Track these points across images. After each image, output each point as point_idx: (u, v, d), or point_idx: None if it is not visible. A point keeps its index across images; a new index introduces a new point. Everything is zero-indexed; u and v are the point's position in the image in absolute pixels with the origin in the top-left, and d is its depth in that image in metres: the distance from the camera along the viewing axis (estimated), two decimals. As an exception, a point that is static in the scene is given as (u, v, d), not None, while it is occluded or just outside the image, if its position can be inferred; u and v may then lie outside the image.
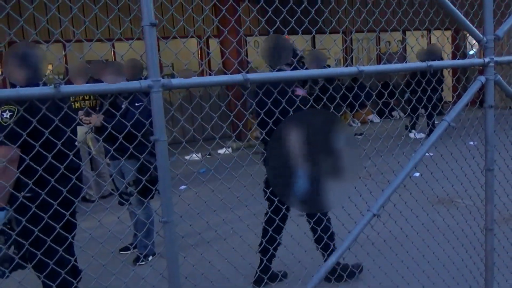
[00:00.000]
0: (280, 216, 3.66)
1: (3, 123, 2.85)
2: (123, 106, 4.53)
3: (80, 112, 5.08)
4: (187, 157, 8.18)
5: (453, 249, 3.88)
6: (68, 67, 6.87)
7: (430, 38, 12.73)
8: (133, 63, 4.57)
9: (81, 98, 6.49)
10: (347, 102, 4.21)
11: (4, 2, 2.26)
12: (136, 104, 4.46)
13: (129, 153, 2.94)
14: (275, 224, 3.59)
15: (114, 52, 10.05)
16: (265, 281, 3.70)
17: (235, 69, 2.89)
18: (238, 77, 2.48)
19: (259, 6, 3.00)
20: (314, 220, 3.94)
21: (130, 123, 2.85)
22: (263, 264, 3.75)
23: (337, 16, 3.15)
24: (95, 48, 2.45)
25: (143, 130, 3.04)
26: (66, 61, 9.97)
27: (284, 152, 2.93)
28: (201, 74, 10.65)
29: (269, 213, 3.96)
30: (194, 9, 9.89)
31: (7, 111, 2.86)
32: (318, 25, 2.98)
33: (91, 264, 2.73)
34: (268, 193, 3.87)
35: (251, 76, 2.50)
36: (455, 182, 3.80)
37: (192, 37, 8.85)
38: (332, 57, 10.49)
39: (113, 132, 2.54)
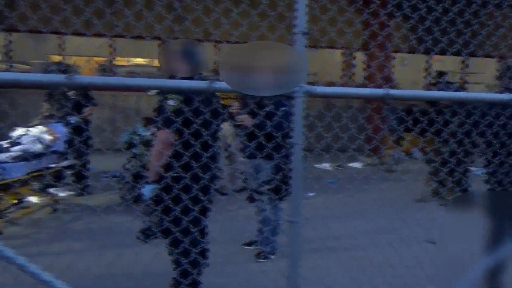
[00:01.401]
0: None
1: (168, 110, 3.18)
2: (269, 109, 4.69)
3: (235, 106, 5.40)
4: (317, 165, 8.25)
5: None
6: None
7: None
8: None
9: (227, 96, 6.87)
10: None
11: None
12: (282, 108, 4.61)
13: (267, 154, 3.11)
14: None
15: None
16: None
17: (378, 84, 2.92)
18: (380, 91, 2.51)
19: (409, 23, 2.98)
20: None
21: (265, 125, 2.99)
22: None
23: (492, 40, 3.02)
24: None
25: (284, 134, 3.16)
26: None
27: None
28: (343, 85, 10.66)
29: None
30: (344, 21, 9.96)
31: (173, 100, 3.19)
32: (471, 48, 2.89)
33: (217, 252, 2.91)
34: None
35: (394, 91, 2.51)
36: None
37: (340, 48, 8.84)
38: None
39: (255, 132, 2.70)
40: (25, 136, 5.62)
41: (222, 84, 2.37)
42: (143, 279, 2.84)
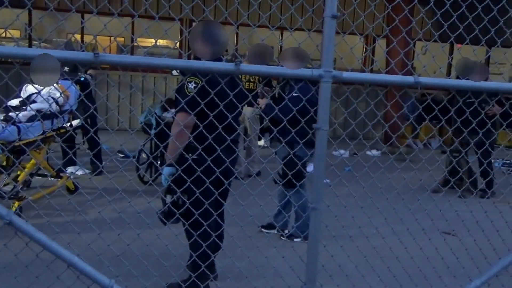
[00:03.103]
0: None
1: (187, 93, 3.17)
2: (282, 93, 4.71)
3: (260, 92, 5.47)
4: (334, 153, 8.15)
5: None
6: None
7: None
8: (300, 52, 4.65)
9: (247, 79, 6.84)
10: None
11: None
12: (294, 94, 4.56)
13: (276, 137, 3.07)
14: None
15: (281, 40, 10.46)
16: None
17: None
18: (409, 79, 2.46)
19: (427, 7, 2.91)
20: None
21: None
22: None
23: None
24: (260, 33, 2.61)
25: (292, 119, 3.07)
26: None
27: None
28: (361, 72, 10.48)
29: None
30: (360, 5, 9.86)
31: (193, 83, 3.17)
32: (489, 35, 2.81)
33: (237, 235, 2.90)
34: None
35: (423, 79, 2.46)
36: None
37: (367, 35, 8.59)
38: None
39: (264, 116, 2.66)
40: (38, 94, 5.21)
41: (248, 67, 2.34)
42: (162, 260, 2.84)
